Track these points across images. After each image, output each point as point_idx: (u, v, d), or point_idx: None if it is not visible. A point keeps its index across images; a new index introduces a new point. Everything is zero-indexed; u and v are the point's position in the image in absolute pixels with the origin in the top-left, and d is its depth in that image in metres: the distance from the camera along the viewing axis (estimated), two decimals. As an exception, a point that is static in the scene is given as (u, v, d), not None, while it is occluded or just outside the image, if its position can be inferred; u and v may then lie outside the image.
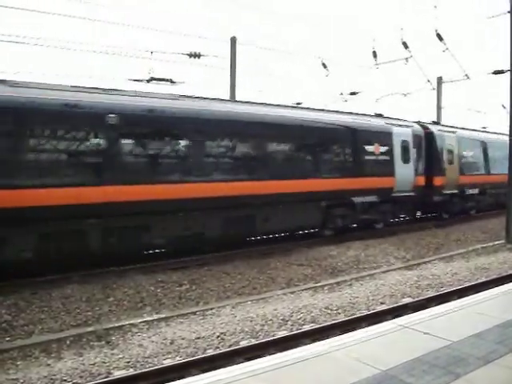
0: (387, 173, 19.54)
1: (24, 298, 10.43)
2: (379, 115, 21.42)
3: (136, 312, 10.32)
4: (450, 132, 23.63)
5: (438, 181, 22.14)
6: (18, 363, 7.91)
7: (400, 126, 20.67)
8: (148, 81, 20.45)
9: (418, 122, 22.55)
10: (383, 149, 19.41)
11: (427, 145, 21.86)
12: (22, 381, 7.11)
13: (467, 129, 26.30)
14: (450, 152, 22.99)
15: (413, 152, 20.79)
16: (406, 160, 20.36)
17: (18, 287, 11.03)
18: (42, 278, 11.71)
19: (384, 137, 19.56)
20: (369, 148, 18.83)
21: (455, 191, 23.30)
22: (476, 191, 24.77)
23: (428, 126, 22.86)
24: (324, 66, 25.89)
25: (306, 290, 12.11)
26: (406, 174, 20.28)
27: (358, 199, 18.35)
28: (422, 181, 21.29)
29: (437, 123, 25.12)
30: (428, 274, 13.50)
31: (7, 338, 8.93)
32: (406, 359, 5.14)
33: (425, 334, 5.99)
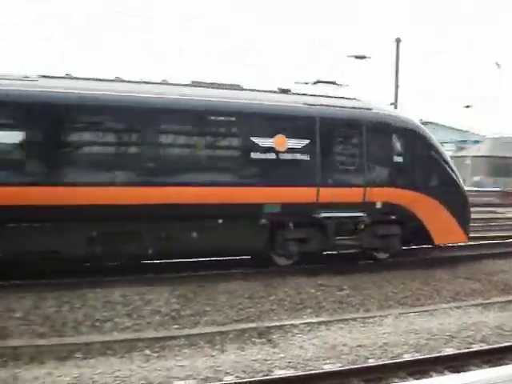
0: None
1: (192, 289, 10.88)
2: None
3: (296, 313, 10.34)
4: None
5: None
6: (185, 351, 8.31)
7: None
8: (314, 83, 20.56)
9: None
10: None
11: None
12: (188, 368, 7.40)
13: None
14: None
15: None
16: None
17: (187, 279, 11.62)
18: (207, 272, 12.24)
19: None
20: None
21: None
22: None
23: None
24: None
25: (474, 305, 11.40)
26: None
27: None
28: None
29: None
30: None
31: (175, 326, 9.43)
32: None
33: None
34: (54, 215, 10.71)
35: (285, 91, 13.87)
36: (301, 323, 9.58)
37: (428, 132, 15.05)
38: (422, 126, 15.34)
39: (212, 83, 13.18)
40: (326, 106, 13.57)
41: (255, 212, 12.36)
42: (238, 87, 13.37)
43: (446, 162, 14.73)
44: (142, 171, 11.63)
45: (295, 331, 9.21)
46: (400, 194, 13.82)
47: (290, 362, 7.70)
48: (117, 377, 7.01)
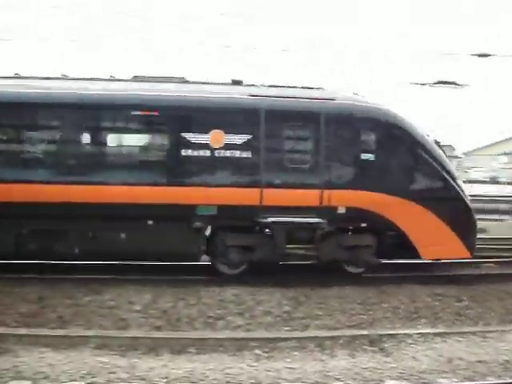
0: None
1: (303, 292, 10.91)
2: None
3: (411, 322, 10.05)
4: None
5: None
6: (295, 353, 8.29)
7: None
8: (433, 84, 19.80)
9: None
10: None
11: None
12: (298, 371, 7.36)
13: None
14: None
15: None
16: None
17: (298, 282, 11.58)
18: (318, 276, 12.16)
19: None
20: None
21: None
22: None
23: None
24: None
25: None
26: None
27: None
28: None
29: None
30: None
31: (286, 328, 9.53)
32: None
33: None
34: None
35: (237, 83, 12.69)
36: (415, 333, 9.20)
37: (416, 128, 12.76)
38: (408, 120, 12.77)
39: (153, 77, 12.41)
40: (275, 96, 12.08)
41: (187, 214, 11.43)
42: (181, 80, 12.46)
43: (440, 164, 12.44)
44: (63, 169, 11.46)
45: (409, 341, 8.86)
46: (371, 197, 11.84)
47: (402, 373, 7.41)
48: (227, 374, 7.13)
